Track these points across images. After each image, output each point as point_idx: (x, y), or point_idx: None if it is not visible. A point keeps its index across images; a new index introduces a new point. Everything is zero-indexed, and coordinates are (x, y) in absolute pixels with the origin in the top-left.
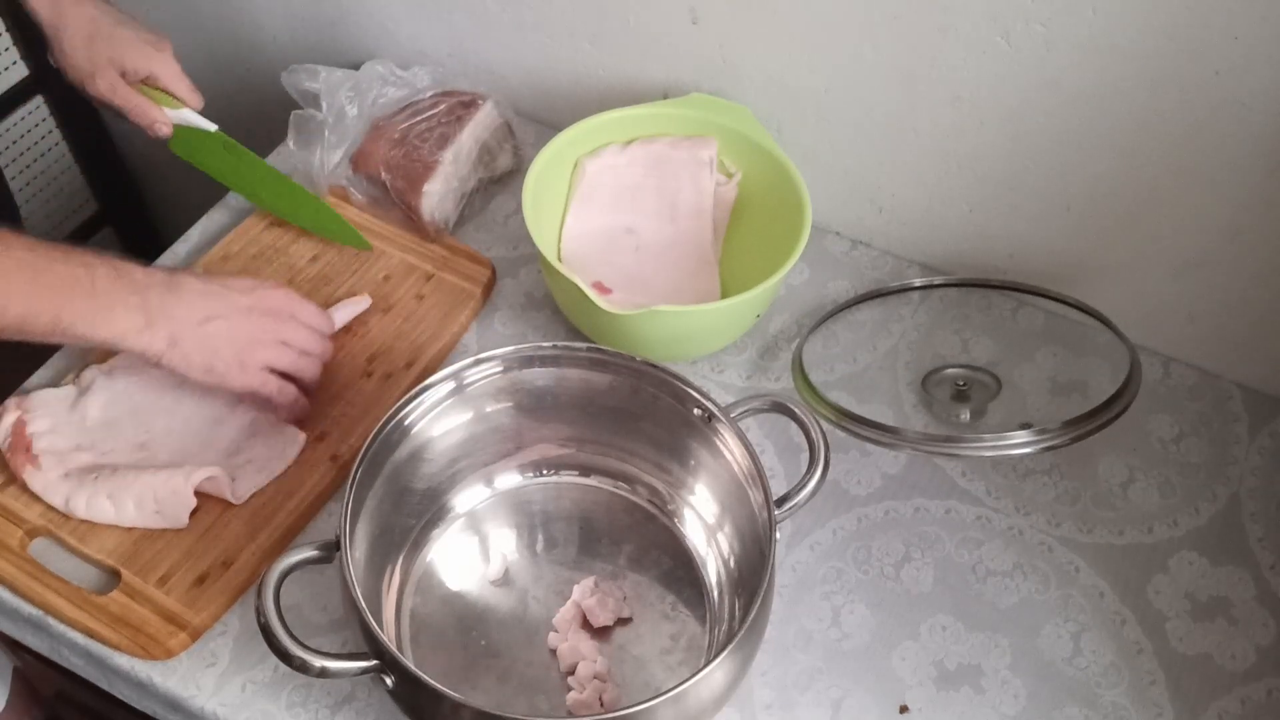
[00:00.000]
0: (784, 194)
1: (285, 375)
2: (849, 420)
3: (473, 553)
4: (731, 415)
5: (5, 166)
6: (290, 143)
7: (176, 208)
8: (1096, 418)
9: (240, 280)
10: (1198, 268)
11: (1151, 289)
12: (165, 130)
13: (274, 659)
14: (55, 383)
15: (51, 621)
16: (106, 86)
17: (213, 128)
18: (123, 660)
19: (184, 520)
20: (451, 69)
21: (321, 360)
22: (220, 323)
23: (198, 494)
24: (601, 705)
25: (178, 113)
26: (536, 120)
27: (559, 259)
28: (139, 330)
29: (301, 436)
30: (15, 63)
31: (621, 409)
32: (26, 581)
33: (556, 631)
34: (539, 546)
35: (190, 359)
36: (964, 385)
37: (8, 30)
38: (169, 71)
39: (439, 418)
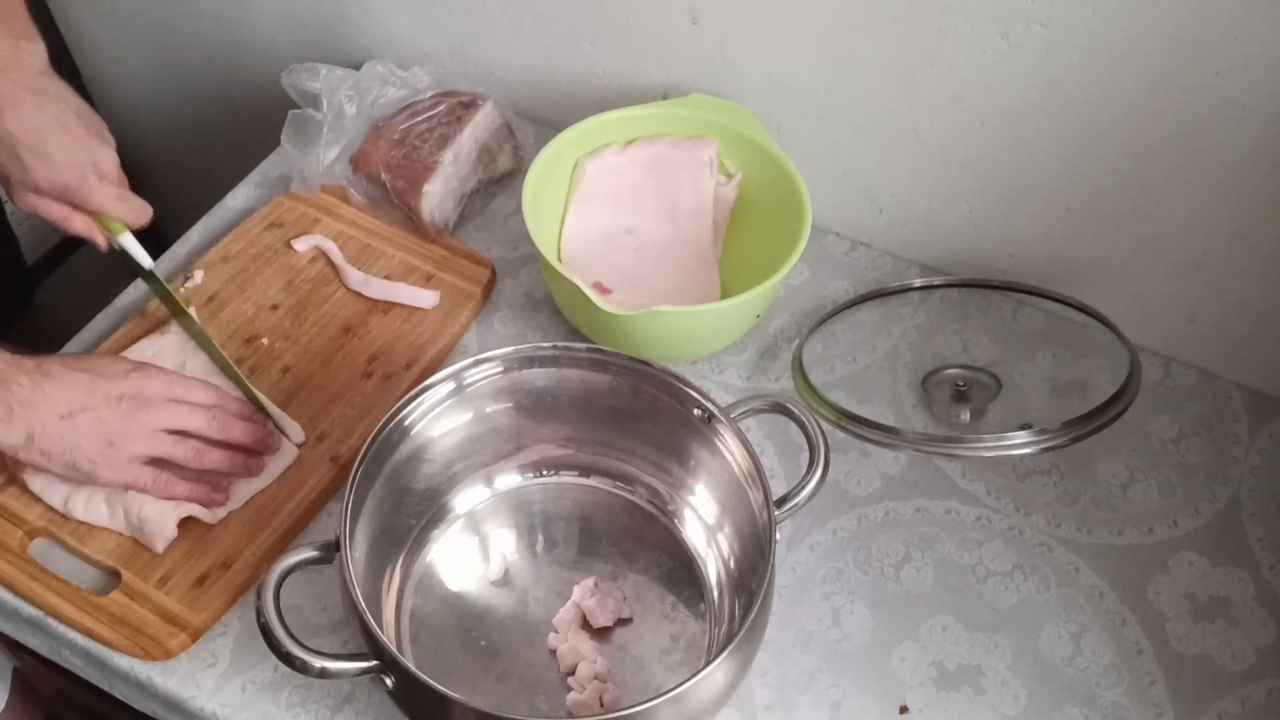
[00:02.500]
0: (784, 194)
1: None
2: (849, 420)
3: (473, 553)
4: (731, 415)
5: None
6: (286, 142)
7: (176, 208)
8: (1096, 418)
9: (116, 364)
10: (1198, 268)
11: (1151, 289)
12: (100, 243)
13: (274, 659)
14: None
15: (51, 622)
16: (27, 207)
17: (147, 263)
18: (122, 661)
19: (159, 549)
20: (452, 69)
21: (220, 436)
22: (86, 415)
23: None
24: (601, 706)
25: (118, 238)
26: (536, 121)
27: (559, 259)
28: None
29: (293, 451)
30: None
31: (621, 409)
32: (26, 582)
33: (556, 632)
34: (539, 547)
35: (49, 455)
36: (964, 385)
37: None
38: (91, 201)
39: (439, 418)
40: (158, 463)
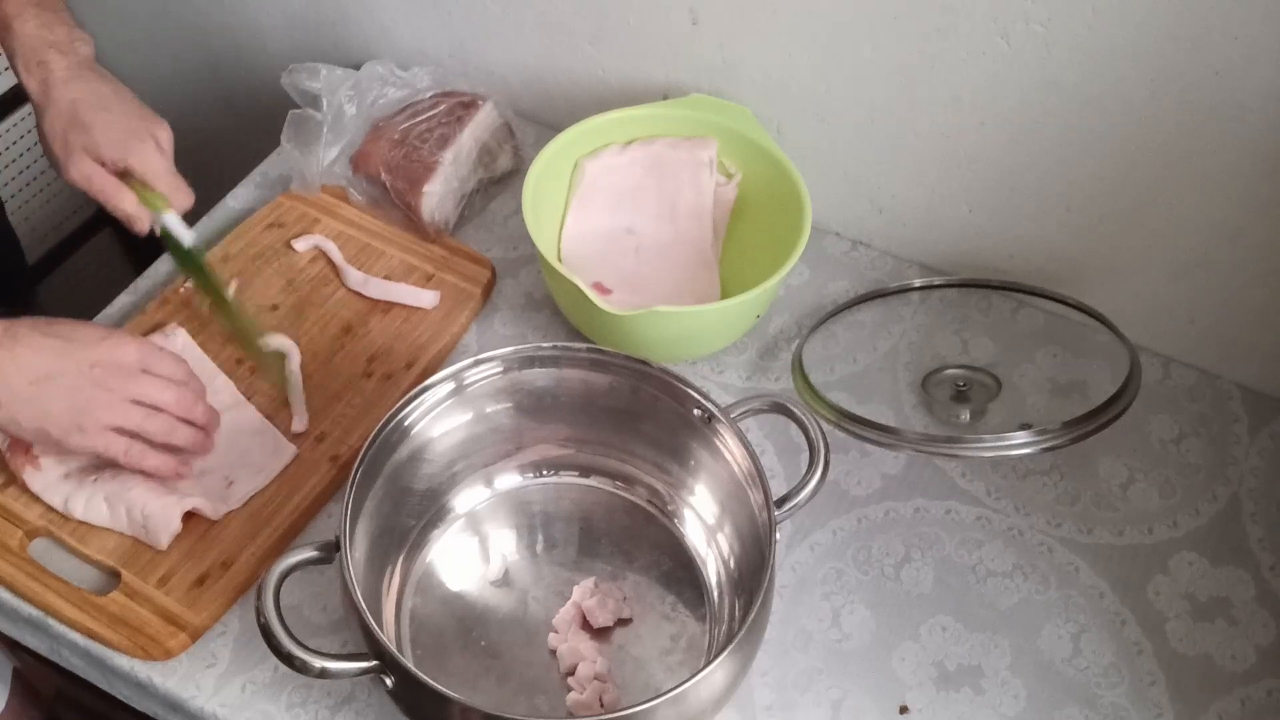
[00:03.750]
0: (784, 194)
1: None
2: (849, 421)
3: (472, 553)
4: (731, 416)
5: (5, 168)
6: (286, 142)
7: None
8: (1096, 418)
9: (88, 330)
10: (1198, 268)
11: (1151, 289)
12: (141, 227)
13: (274, 659)
14: None
15: (51, 622)
16: (80, 176)
17: (189, 239)
18: (122, 661)
19: (163, 544)
20: (452, 69)
21: (185, 414)
22: (57, 382)
23: None
24: (601, 706)
25: (163, 215)
26: (536, 121)
27: (559, 259)
28: None
29: (290, 449)
30: None
31: (621, 409)
32: (26, 582)
33: (556, 632)
34: (539, 547)
35: (17, 421)
36: (964, 386)
37: None
38: (148, 166)
39: (439, 418)
40: (126, 434)
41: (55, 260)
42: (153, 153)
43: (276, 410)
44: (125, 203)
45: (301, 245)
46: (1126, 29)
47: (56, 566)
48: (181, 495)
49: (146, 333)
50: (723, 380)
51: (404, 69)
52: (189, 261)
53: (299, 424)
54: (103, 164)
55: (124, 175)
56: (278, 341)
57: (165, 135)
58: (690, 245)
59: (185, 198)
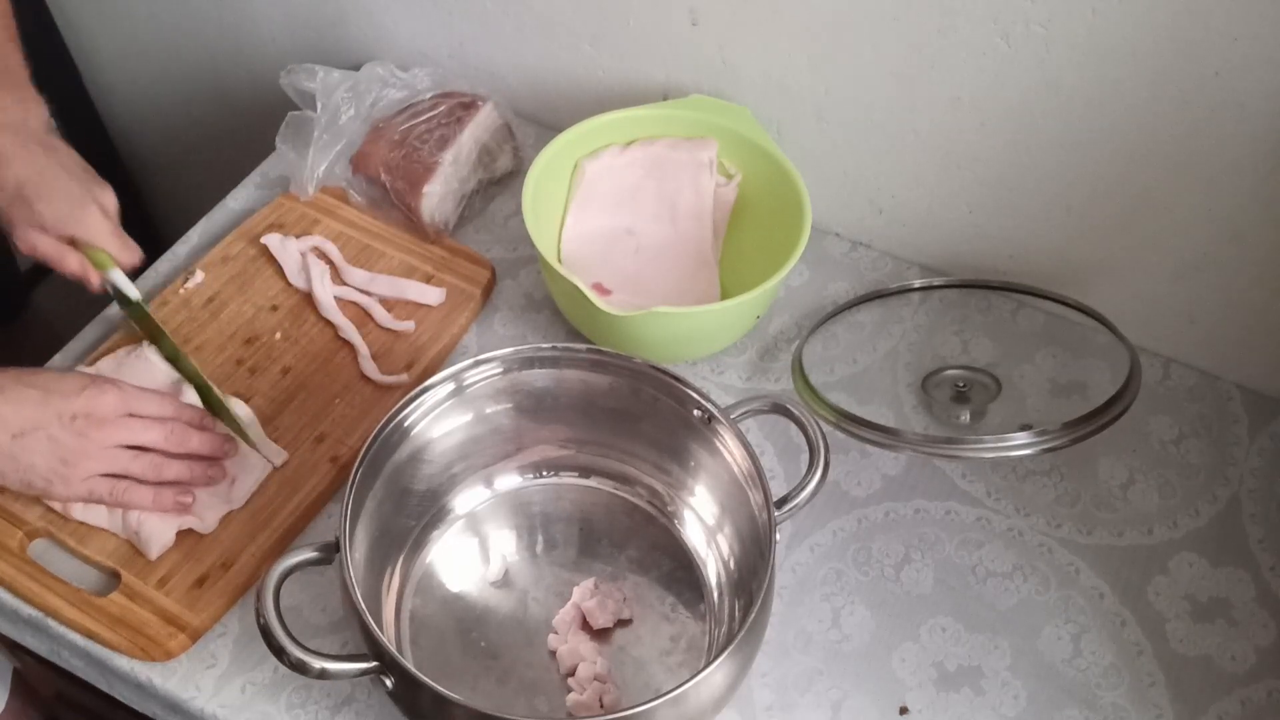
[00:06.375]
0: (784, 195)
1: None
2: (849, 421)
3: (472, 554)
4: (731, 416)
5: None
6: (281, 144)
7: (176, 209)
8: (1096, 419)
9: (68, 381)
10: (1198, 269)
11: (1151, 290)
12: (92, 283)
13: (274, 660)
14: None
15: (51, 623)
16: (26, 246)
17: (134, 295)
18: (122, 662)
19: (153, 556)
20: (451, 70)
21: (177, 448)
22: (37, 435)
23: None
24: (601, 707)
25: (110, 273)
26: (536, 121)
27: (559, 260)
28: None
29: (277, 460)
30: None
31: (621, 410)
32: (26, 583)
33: (556, 633)
34: (539, 548)
35: (3, 473)
36: (964, 386)
37: None
38: (92, 233)
39: (439, 419)
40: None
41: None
42: (96, 219)
43: (277, 411)
44: (71, 264)
45: (302, 245)
46: (1126, 29)
47: (56, 567)
48: (139, 509)
49: (132, 343)
50: (723, 381)
51: (404, 70)
52: (136, 313)
53: (276, 459)
54: (47, 232)
55: (72, 240)
56: (230, 403)
57: (109, 199)
58: (690, 246)
59: (131, 255)
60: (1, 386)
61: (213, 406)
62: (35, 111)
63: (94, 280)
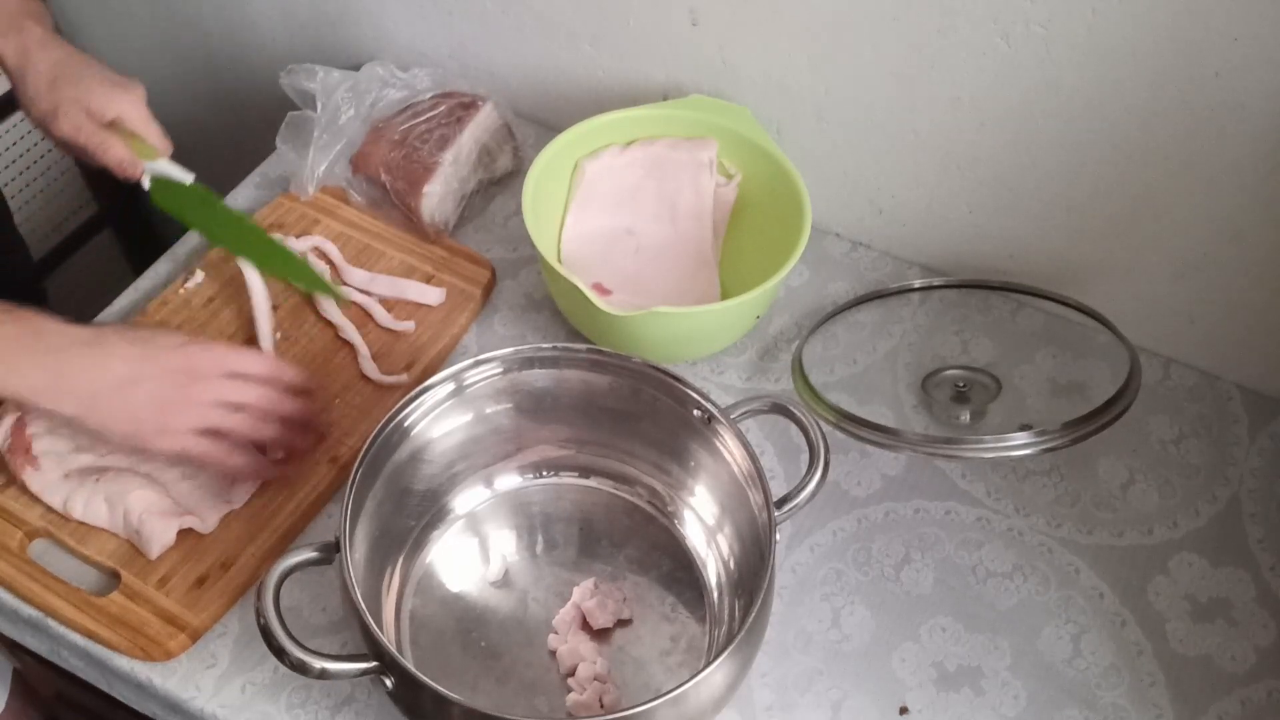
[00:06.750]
0: (784, 195)
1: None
2: (849, 422)
3: (472, 554)
4: (731, 416)
5: (4, 169)
6: (281, 144)
7: None
8: (1096, 419)
9: (169, 336)
10: (1198, 269)
11: (1151, 290)
12: (134, 171)
13: (274, 660)
14: None
15: (51, 623)
16: (71, 126)
17: (189, 179)
18: (122, 662)
19: (154, 555)
20: (451, 70)
21: (272, 408)
22: (143, 386)
23: None
24: (601, 707)
25: (154, 163)
26: (536, 121)
27: (559, 260)
28: (44, 389)
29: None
30: None
31: (621, 410)
32: (26, 583)
33: (556, 633)
34: (539, 548)
35: (108, 424)
36: (964, 386)
37: None
38: (136, 114)
39: (439, 419)
40: (217, 433)
41: (57, 259)
42: (139, 104)
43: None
44: (116, 149)
45: (302, 245)
46: (1126, 29)
47: (56, 567)
48: (181, 510)
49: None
50: (723, 381)
51: (404, 70)
52: (190, 205)
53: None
54: (89, 115)
55: (108, 129)
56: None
57: (142, 92)
58: (690, 246)
59: (168, 145)
60: (107, 340)
61: (279, 265)
62: (49, 13)
63: (136, 170)
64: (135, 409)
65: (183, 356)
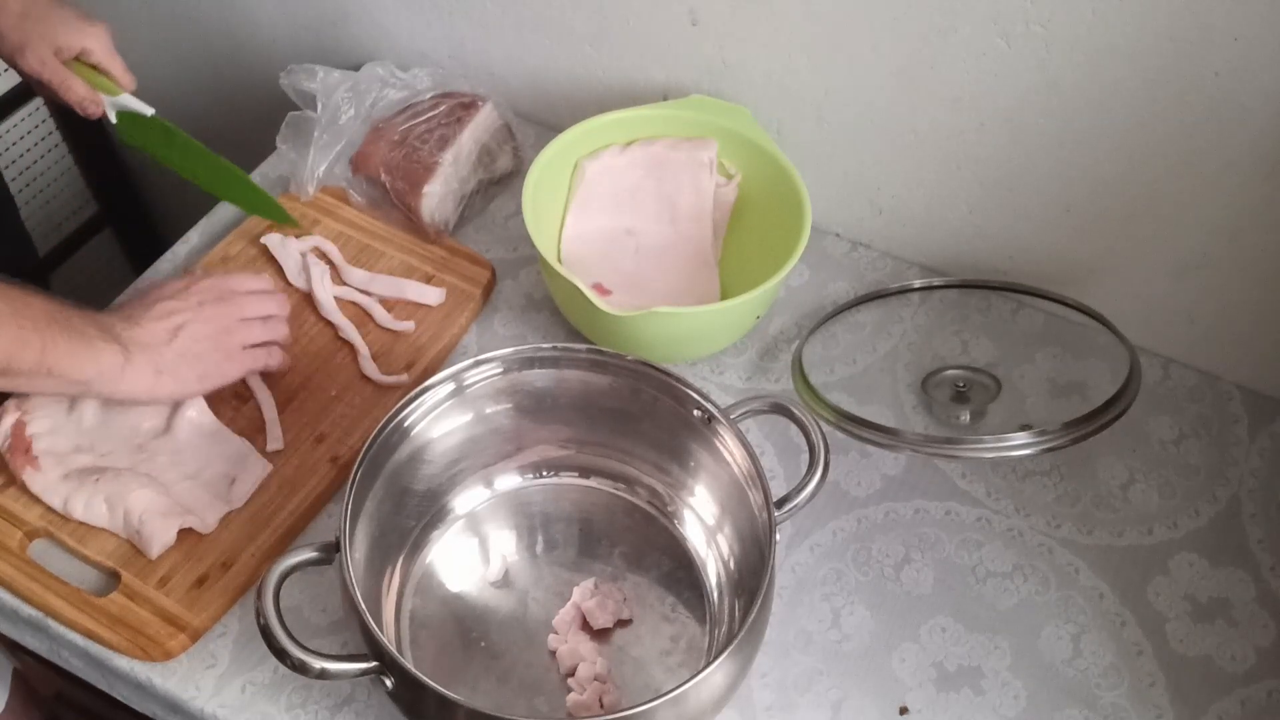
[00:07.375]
0: (784, 195)
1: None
2: (849, 422)
3: (472, 554)
4: (731, 417)
5: (5, 168)
6: (281, 144)
7: (176, 209)
8: (1096, 419)
9: (173, 284)
10: (1198, 269)
11: (1151, 290)
12: (95, 109)
13: (274, 660)
14: None
15: (51, 623)
16: (36, 61)
17: (149, 111)
18: (122, 662)
19: (154, 554)
20: (451, 70)
21: (283, 315)
22: (187, 329)
23: None
24: (601, 707)
25: (116, 98)
26: (536, 122)
27: (559, 260)
28: (120, 367)
29: (264, 467)
30: None
31: (621, 410)
32: (26, 583)
33: (556, 633)
34: (539, 548)
35: (181, 377)
36: (964, 387)
37: None
38: (102, 48)
39: (439, 419)
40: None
41: (58, 259)
42: (104, 38)
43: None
44: (77, 87)
45: (302, 245)
46: (1126, 29)
47: (56, 567)
48: (180, 515)
49: None
50: (723, 381)
51: (404, 70)
52: (157, 139)
53: (274, 443)
54: (56, 52)
55: (73, 64)
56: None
57: (107, 27)
58: (690, 246)
59: (132, 80)
60: (132, 313)
61: (243, 197)
62: None
63: (96, 109)
64: (196, 351)
65: (197, 291)
